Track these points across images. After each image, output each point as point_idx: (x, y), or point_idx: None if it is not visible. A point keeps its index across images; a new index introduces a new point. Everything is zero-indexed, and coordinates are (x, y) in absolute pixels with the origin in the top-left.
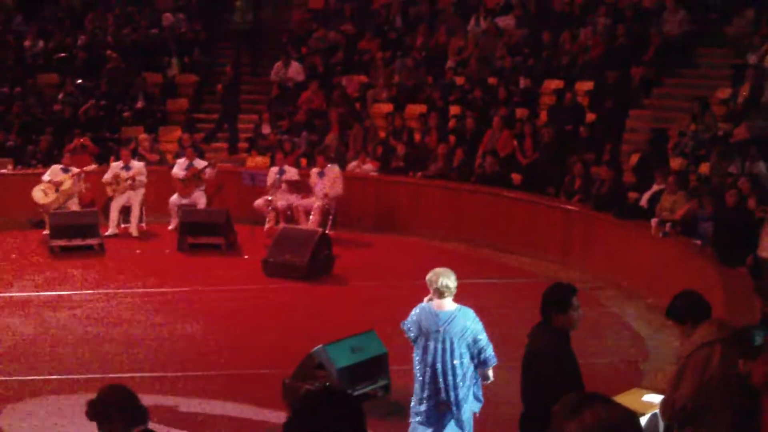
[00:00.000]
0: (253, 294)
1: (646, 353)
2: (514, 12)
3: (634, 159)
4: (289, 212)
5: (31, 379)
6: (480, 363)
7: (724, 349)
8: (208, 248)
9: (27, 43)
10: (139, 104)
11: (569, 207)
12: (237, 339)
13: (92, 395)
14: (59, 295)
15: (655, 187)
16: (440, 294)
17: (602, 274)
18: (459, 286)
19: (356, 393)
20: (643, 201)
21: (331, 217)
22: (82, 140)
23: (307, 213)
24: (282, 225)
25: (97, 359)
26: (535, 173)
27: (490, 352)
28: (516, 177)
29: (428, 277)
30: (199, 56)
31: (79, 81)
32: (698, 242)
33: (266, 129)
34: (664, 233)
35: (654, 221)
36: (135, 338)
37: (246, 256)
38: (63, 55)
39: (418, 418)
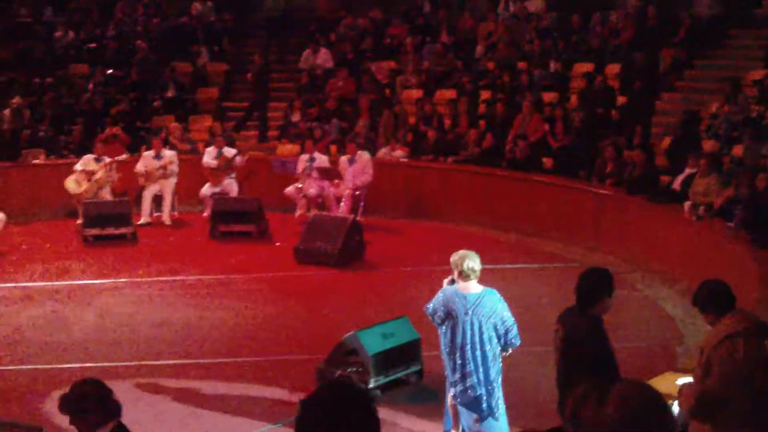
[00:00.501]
0: (284, 281)
1: (679, 337)
2: None
3: (667, 142)
4: (320, 199)
5: (69, 367)
6: (506, 342)
7: (747, 341)
8: (240, 236)
9: (57, 33)
10: (170, 93)
11: (601, 191)
12: (269, 325)
13: (131, 381)
14: (92, 284)
15: (688, 171)
16: (465, 276)
17: (635, 258)
18: (490, 272)
19: (389, 379)
20: (676, 184)
21: (361, 203)
22: (113, 130)
23: (338, 200)
24: (313, 212)
25: (130, 346)
26: (567, 157)
27: (515, 331)
28: (547, 161)
29: (452, 259)
30: (229, 45)
31: (110, 71)
32: (731, 225)
33: (296, 116)
34: (698, 216)
35: (687, 204)
36: (168, 325)
37: (277, 244)
38: (93, 45)
39: (453, 401)
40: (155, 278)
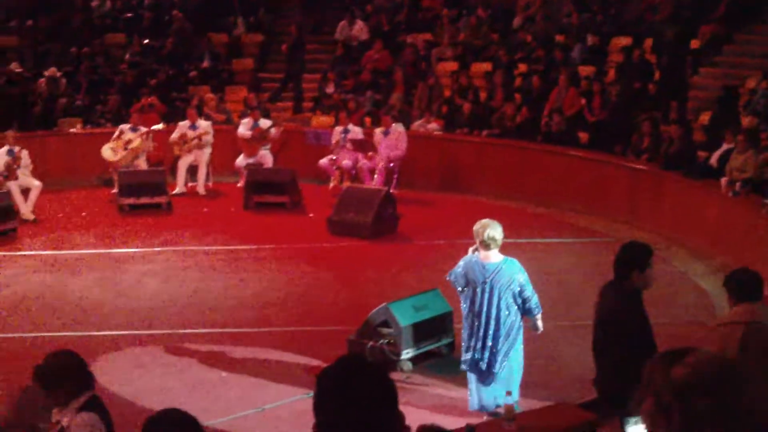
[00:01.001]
0: (317, 252)
1: (714, 313)
2: None
3: (705, 117)
4: (353, 171)
5: (103, 335)
6: (525, 311)
7: (746, 331)
8: (274, 207)
9: (94, 3)
10: (205, 64)
11: (637, 166)
12: (301, 296)
13: (163, 347)
14: (128, 253)
15: (725, 146)
16: (486, 246)
17: (670, 233)
18: (523, 245)
19: (420, 351)
20: (713, 160)
21: (395, 176)
22: (149, 99)
23: (372, 172)
24: (346, 184)
25: (165, 315)
26: (603, 132)
27: (535, 300)
28: (583, 135)
29: (475, 228)
30: (265, 16)
31: (146, 41)
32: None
33: (330, 88)
34: (734, 192)
35: (724, 180)
36: (201, 295)
37: (311, 215)
38: (129, 15)
39: (464, 366)
40: (189, 247)
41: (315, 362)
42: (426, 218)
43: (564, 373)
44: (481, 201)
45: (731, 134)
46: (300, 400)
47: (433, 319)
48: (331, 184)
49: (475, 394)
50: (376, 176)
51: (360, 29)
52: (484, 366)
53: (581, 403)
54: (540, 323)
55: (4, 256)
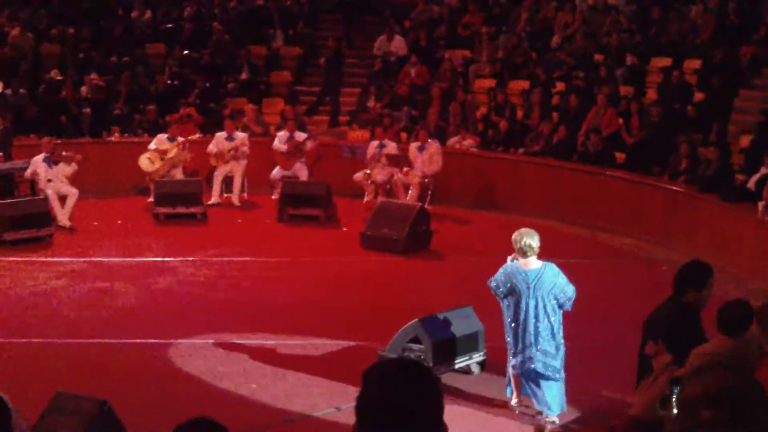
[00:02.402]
0: (350, 266)
1: None
2: None
3: (744, 140)
4: (388, 186)
5: (133, 342)
6: (562, 307)
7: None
8: (308, 220)
9: (135, 13)
10: (244, 76)
11: (674, 187)
12: (332, 310)
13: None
14: (162, 261)
15: (764, 170)
16: (524, 253)
17: (705, 257)
18: (557, 265)
19: (450, 368)
20: (751, 183)
21: (429, 192)
22: (187, 110)
23: (406, 187)
24: (381, 199)
25: (198, 324)
26: (640, 152)
27: (572, 292)
28: (620, 156)
29: (513, 237)
30: (303, 29)
31: (185, 52)
32: None
33: (371, 102)
34: None
35: (761, 204)
36: (234, 305)
37: (344, 229)
38: (170, 25)
39: (515, 371)
40: (223, 258)
41: (344, 376)
42: (460, 235)
43: (595, 393)
44: (516, 219)
45: None
46: (328, 414)
47: (465, 336)
48: (366, 199)
49: (538, 396)
50: (410, 191)
51: (398, 44)
52: (539, 368)
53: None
54: (570, 304)
55: (41, 261)
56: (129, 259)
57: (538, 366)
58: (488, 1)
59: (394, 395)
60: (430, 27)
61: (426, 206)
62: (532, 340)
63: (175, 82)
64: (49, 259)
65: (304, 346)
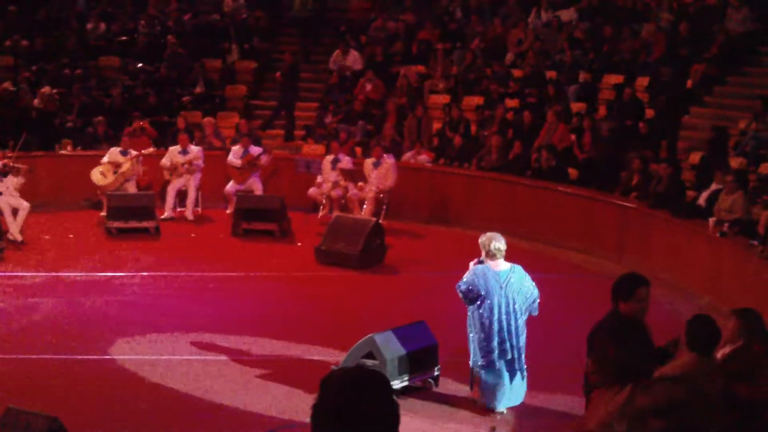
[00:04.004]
0: (304, 281)
1: None
2: (577, 5)
3: (695, 157)
4: (343, 201)
5: (85, 359)
6: (530, 308)
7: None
8: (262, 234)
9: (89, 25)
10: (198, 89)
11: (625, 204)
12: (286, 325)
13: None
14: (114, 276)
15: (714, 186)
16: (492, 256)
17: (657, 272)
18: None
19: (405, 383)
20: (701, 200)
21: (384, 206)
22: (141, 123)
23: (361, 202)
24: (336, 213)
25: (149, 339)
26: (593, 168)
27: (537, 303)
28: (572, 172)
29: (481, 240)
30: (259, 43)
31: (140, 65)
32: (755, 243)
33: (329, 117)
34: (722, 233)
35: (712, 221)
36: (187, 320)
37: (299, 243)
38: (124, 38)
39: (482, 368)
40: (176, 273)
41: (297, 391)
42: (414, 250)
43: (550, 407)
44: (470, 234)
45: (721, 175)
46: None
47: (419, 351)
48: (320, 213)
49: (506, 392)
50: (365, 206)
51: (354, 59)
52: (516, 364)
53: None
54: (536, 307)
55: None
56: (80, 273)
57: (506, 362)
58: (444, 17)
59: (350, 403)
60: (386, 43)
61: (381, 221)
62: (506, 336)
63: (127, 95)
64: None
65: (258, 362)
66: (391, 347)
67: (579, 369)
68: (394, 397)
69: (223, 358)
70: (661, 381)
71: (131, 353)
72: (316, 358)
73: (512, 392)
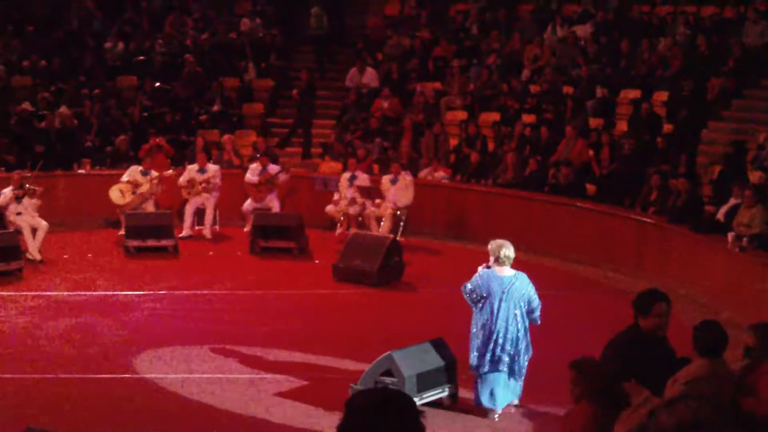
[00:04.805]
0: (322, 298)
1: None
2: (592, 20)
3: (714, 172)
4: (360, 218)
5: (102, 378)
6: (531, 317)
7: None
8: (280, 252)
9: (107, 45)
10: (216, 108)
11: (644, 219)
12: (304, 343)
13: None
14: (133, 295)
15: (733, 201)
16: (501, 262)
17: (676, 287)
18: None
19: (423, 401)
20: (720, 214)
21: (401, 223)
22: (157, 141)
23: (378, 219)
24: (353, 231)
25: (171, 358)
26: (611, 184)
27: (538, 312)
28: (590, 187)
29: (490, 246)
30: (276, 61)
31: (157, 84)
32: None
33: (348, 135)
34: (741, 248)
35: (731, 235)
36: (204, 339)
37: (317, 261)
38: (142, 58)
39: (485, 369)
40: (194, 291)
41: (317, 409)
42: (432, 266)
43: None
44: (487, 251)
45: (739, 189)
46: None
47: (438, 368)
48: (338, 231)
49: (500, 392)
50: (382, 223)
51: (370, 77)
52: (513, 365)
53: None
54: (537, 317)
55: (9, 296)
56: (99, 292)
57: (505, 365)
58: (460, 33)
59: (377, 425)
60: (402, 60)
61: (398, 238)
62: (501, 342)
63: (145, 114)
64: (19, 293)
65: (278, 380)
66: (409, 364)
67: None
68: (421, 418)
69: (242, 375)
70: (684, 399)
71: (151, 371)
72: (334, 375)
73: (506, 391)
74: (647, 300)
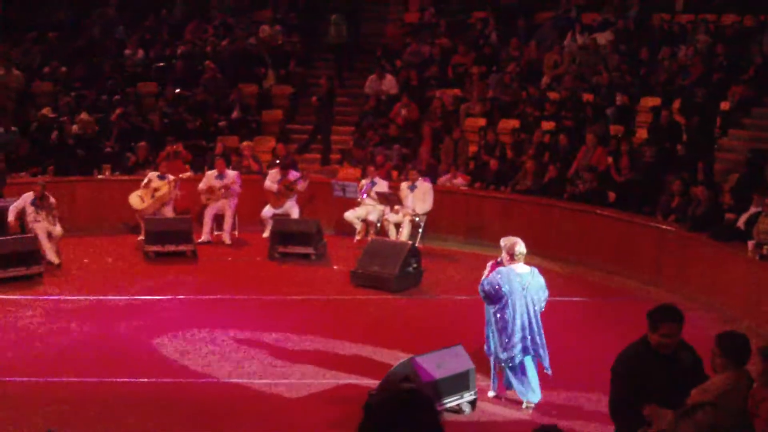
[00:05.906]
0: (340, 305)
1: None
2: (612, 28)
3: (734, 179)
4: (378, 224)
5: (123, 381)
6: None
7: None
8: (299, 258)
9: (127, 51)
10: (235, 114)
11: (664, 226)
12: (323, 349)
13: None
14: (152, 300)
15: (753, 209)
16: (516, 259)
17: (696, 295)
18: (547, 304)
19: (441, 407)
20: (740, 222)
21: (420, 230)
22: (175, 147)
23: (397, 225)
24: (371, 237)
25: (191, 362)
26: (630, 191)
27: (545, 302)
28: (610, 194)
29: (503, 243)
30: (295, 68)
31: (177, 90)
32: None
33: (367, 142)
34: (761, 256)
35: (751, 243)
36: (222, 344)
37: (335, 267)
38: (162, 64)
39: (506, 364)
40: (213, 296)
41: (335, 416)
42: (450, 273)
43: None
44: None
45: (759, 197)
46: None
47: (456, 375)
48: (356, 237)
49: (535, 383)
50: (401, 229)
51: (389, 83)
52: (530, 358)
53: None
54: (543, 306)
55: (29, 300)
56: (119, 297)
57: (530, 356)
58: (479, 41)
59: (398, 424)
60: (420, 67)
61: (417, 244)
62: (527, 333)
63: (165, 121)
64: (39, 297)
65: (296, 385)
66: (428, 371)
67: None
68: (440, 419)
69: (261, 381)
70: (702, 407)
71: (169, 376)
72: (352, 381)
73: (535, 383)
74: (657, 317)
